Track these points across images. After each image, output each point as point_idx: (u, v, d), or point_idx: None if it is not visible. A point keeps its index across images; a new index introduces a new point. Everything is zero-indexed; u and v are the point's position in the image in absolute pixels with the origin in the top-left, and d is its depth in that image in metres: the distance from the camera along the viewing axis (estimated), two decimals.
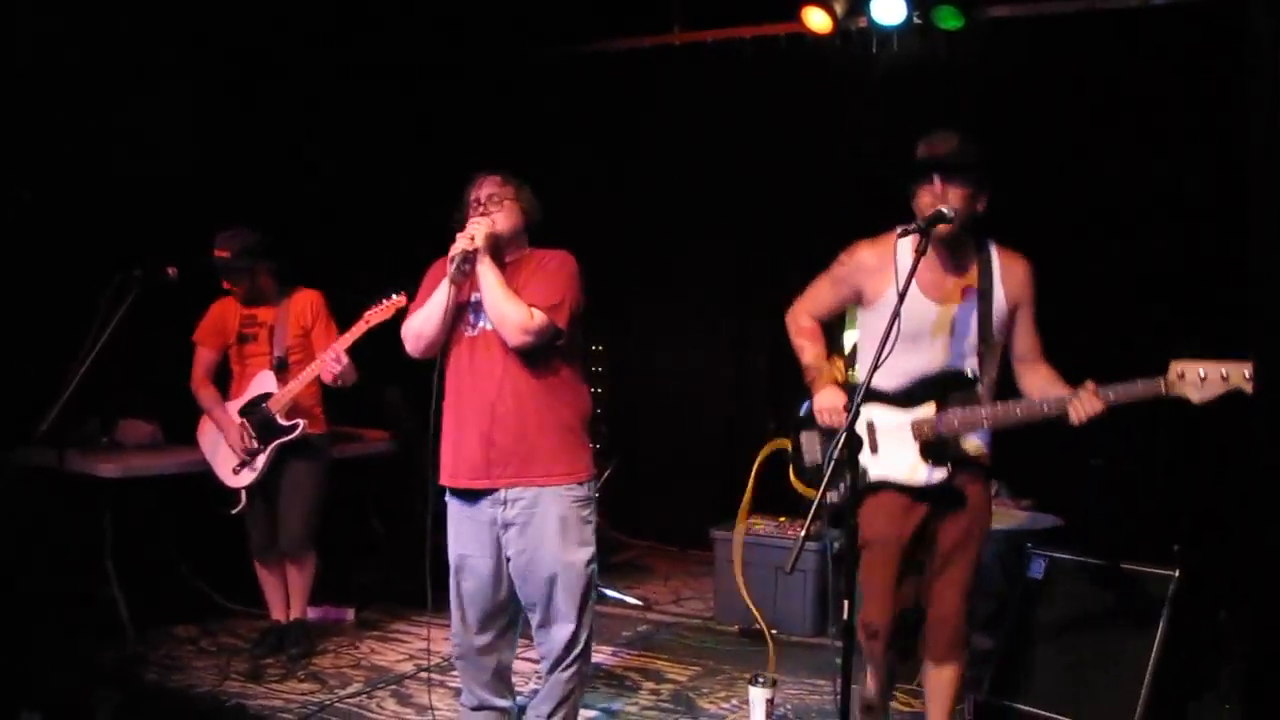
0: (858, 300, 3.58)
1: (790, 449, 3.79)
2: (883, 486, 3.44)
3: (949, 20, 5.99)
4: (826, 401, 3.54)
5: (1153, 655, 3.90)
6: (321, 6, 6.25)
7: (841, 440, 2.87)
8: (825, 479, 2.89)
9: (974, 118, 6.00)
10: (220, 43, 5.94)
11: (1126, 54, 5.73)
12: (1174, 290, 5.52)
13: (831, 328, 3.79)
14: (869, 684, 3.64)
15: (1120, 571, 4.11)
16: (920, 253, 3.10)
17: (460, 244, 3.51)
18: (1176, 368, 3.04)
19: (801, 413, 3.73)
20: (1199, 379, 3.00)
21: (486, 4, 6.82)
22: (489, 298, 3.52)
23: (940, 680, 3.59)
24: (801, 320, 3.72)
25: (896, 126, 5.89)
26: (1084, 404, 3.16)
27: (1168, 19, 5.64)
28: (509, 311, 3.49)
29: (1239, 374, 2.94)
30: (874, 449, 3.45)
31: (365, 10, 6.47)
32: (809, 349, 3.67)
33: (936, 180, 3.32)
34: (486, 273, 3.52)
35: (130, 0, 5.45)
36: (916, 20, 6.05)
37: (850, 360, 3.79)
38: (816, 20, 6.24)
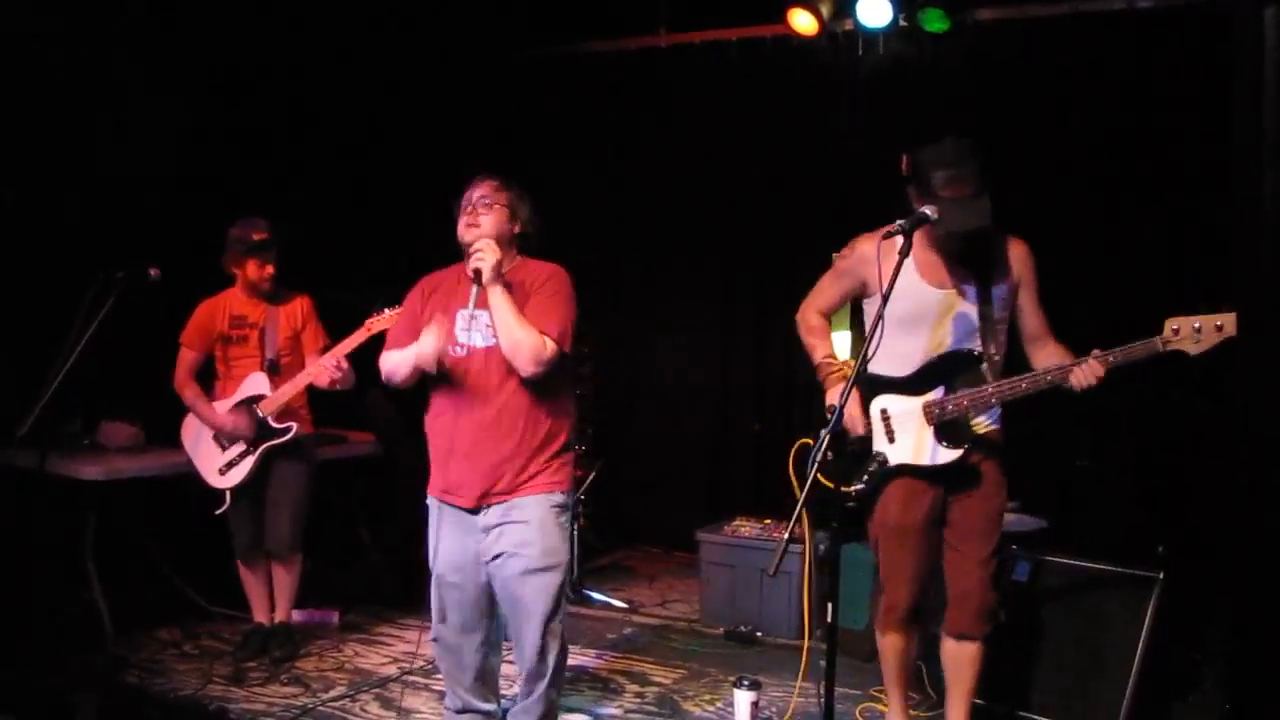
0: (862, 292, 3.65)
1: (814, 445, 3.79)
2: (902, 472, 3.51)
3: (935, 23, 6.00)
4: (837, 396, 3.53)
5: (1137, 656, 3.91)
6: (310, 8, 6.23)
7: (826, 436, 2.91)
8: (808, 481, 2.89)
9: (960, 120, 6.03)
10: (208, 43, 5.91)
11: (1112, 56, 5.75)
12: (1161, 291, 5.53)
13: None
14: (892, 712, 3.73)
15: (1105, 573, 4.12)
16: (903, 254, 3.13)
17: (480, 261, 3.47)
18: (1172, 324, 3.12)
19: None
20: (1194, 331, 3.08)
21: (472, 6, 6.81)
22: (503, 326, 3.46)
23: (962, 658, 3.63)
24: (811, 319, 3.76)
25: (882, 129, 5.95)
26: (1085, 371, 3.24)
27: (1153, 21, 5.66)
28: (524, 340, 3.44)
29: (1233, 321, 2.98)
30: (890, 437, 3.52)
31: (353, 12, 6.45)
32: (820, 347, 3.72)
33: (941, 180, 3.33)
34: (499, 303, 3.46)
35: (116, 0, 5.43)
36: (903, 22, 6.07)
37: (855, 353, 3.83)
38: (802, 22, 6.24)
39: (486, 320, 3.54)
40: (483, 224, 3.59)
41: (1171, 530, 4.74)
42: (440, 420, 3.63)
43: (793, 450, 3.74)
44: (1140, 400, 5.14)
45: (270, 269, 4.93)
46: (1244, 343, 2.02)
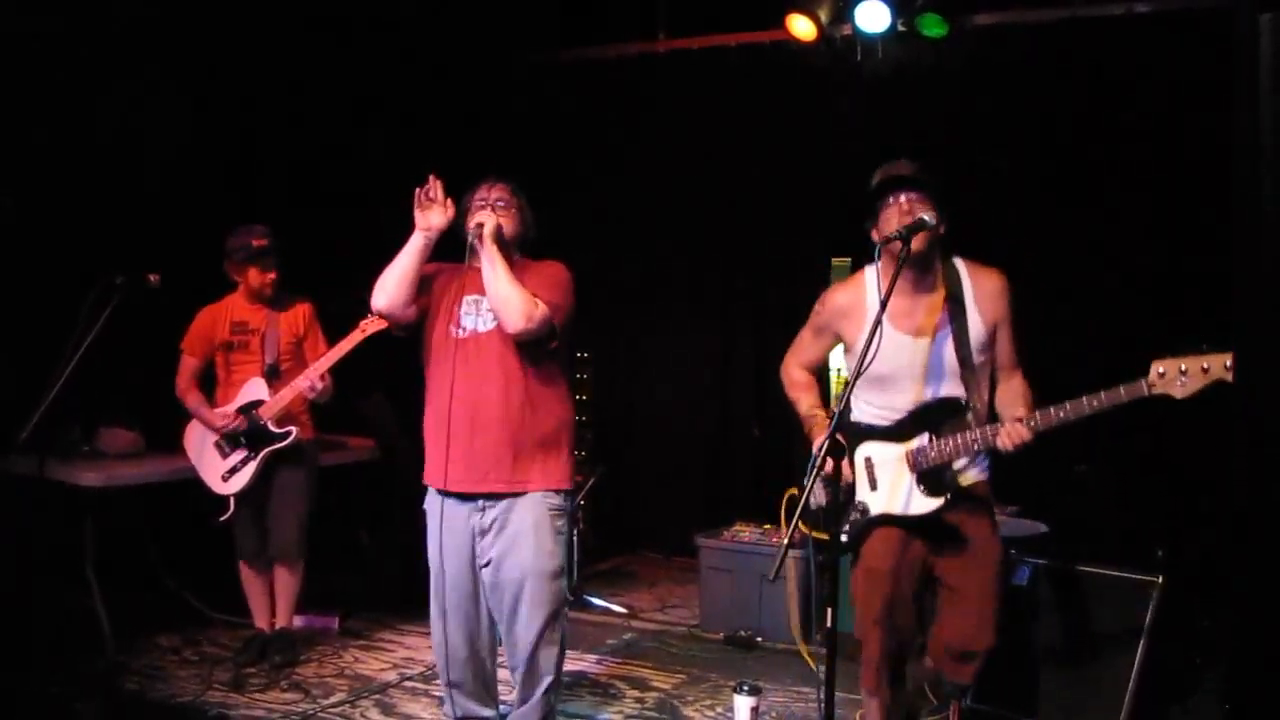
0: (841, 344, 3.60)
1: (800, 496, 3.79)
2: (883, 521, 3.42)
3: (933, 28, 6.01)
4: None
5: (1137, 661, 3.91)
6: (310, 14, 6.23)
7: (822, 452, 2.90)
8: (807, 489, 2.89)
9: (958, 125, 6.05)
10: (206, 48, 5.91)
11: (1110, 61, 5.76)
12: (1157, 293, 5.54)
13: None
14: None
15: (1105, 577, 4.12)
16: (902, 260, 3.12)
17: (485, 218, 3.56)
18: (1158, 367, 3.04)
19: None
20: (1180, 374, 3.01)
21: (471, 11, 6.82)
22: (493, 282, 3.49)
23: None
24: (793, 373, 3.72)
25: (882, 134, 5.96)
26: (1008, 434, 3.19)
27: (1151, 26, 5.67)
28: (513, 296, 3.46)
29: (1219, 365, 2.95)
30: (874, 485, 3.44)
31: (352, 17, 6.46)
32: (803, 400, 3.67)
33: (902, 196, 3.32)
34: (493, 259, 3.50)
35: (116, 3, 5.42)
36: (901, 27, 6.06)
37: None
38: (801, 28, 6.24)
39: (488, 305, 3.57)
40: (505, 221, 3.65)
41: (1171, 534, 4.74)
42: (437, 404, 3.63)
43: (784, 499, 3.76)
44: (1140, 405, 5.14)
45: (272, 275, 4.94)
46: (1244, 344, 2.02)
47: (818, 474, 3.00)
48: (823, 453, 2.94)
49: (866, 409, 3.41)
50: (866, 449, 3.43)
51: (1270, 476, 1.94)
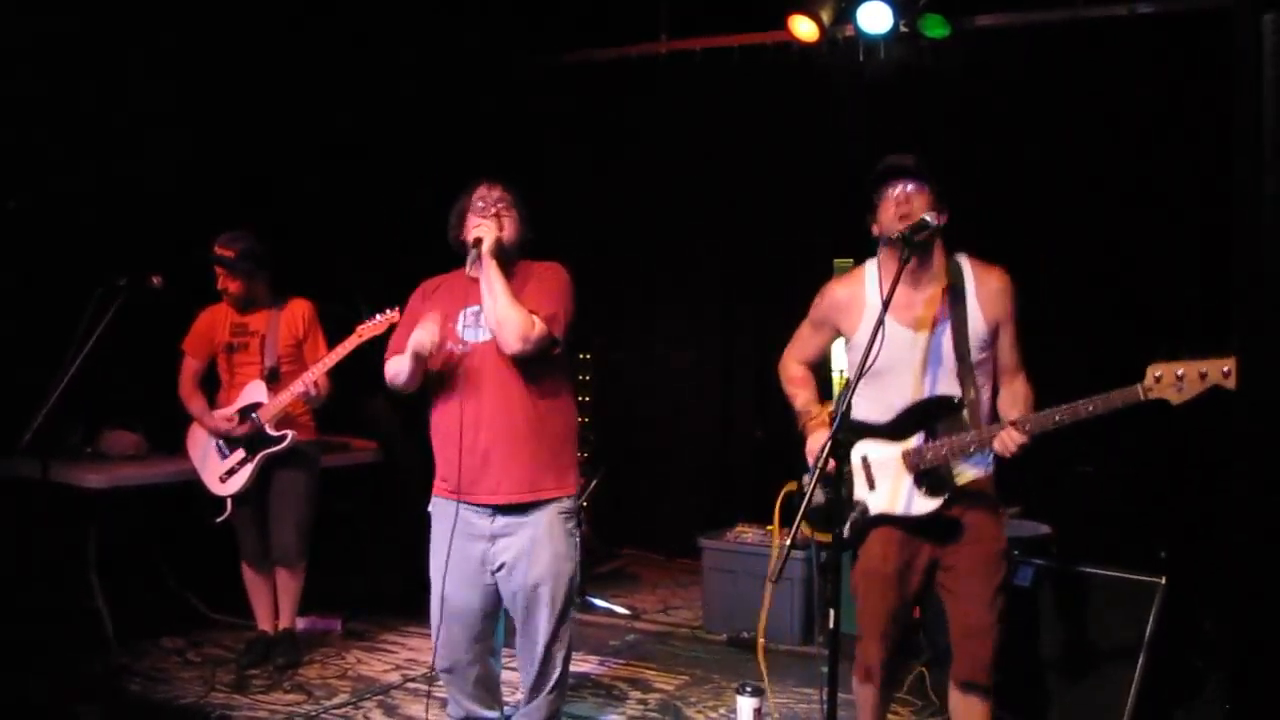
0: (837, 337, 3.60)
1: (798, 492, 3.78)
2: (882, 521, 3.40)
3: (935, 29, 6.01)
4: (817, 444, 3.52)
5: (1139, 662, 3.91)
6: (312, 15, 6.24)
7: (827, 449, 2.89)
8: (809, 489, 2.89)
9: (960, 125, 6.05)
10: (209, 50, 5.91)
11: (1112, 62, 5.76)
12: (1158, 295, 5.54)
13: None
14: None
15: (1107, 579, 4.11)
16: (904, 261, 3.11)
17: (484, 232, 3.53)
18: (1154, 371, 3.02)
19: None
20: (1177, 380, 2.99)
21: (474, 13, 6.82)
22: (491, 303, 3.49)
23: (970, 714, 3.44)
24: (791, 369, 3.72)
25: (884, 135, 5.96)
26: (1004, 439, 3.18)
27: (1153, 28, 5.67)
28: (511, 317, 3.46)
29: (1217, 370, 2.93)
30: (871, 485, 3.42)
31: (355, 20, 6.46)
32: (800, 395, 3.67)
33: (899, 187, 3.29)
34: (492, 276, 3.50)
35: (118, 6, 5.43)
36: (903, 28, 6.06)
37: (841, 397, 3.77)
38: (803, 29, 6.24)
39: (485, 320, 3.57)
40: (505, 227, 3.63)
41: (1173, 536, 4.74)
42: (445, 418, 3.63)
43: (780, 496, 3.76)
44: (1143, 406, 5.13)
45: (232, 285, 4.90)
46: (1244, 346, 2.01)
47: (820, 474, 2.99)
48: (825, 453, 2.94)
49: (861, 403, 3.36)
50: (863, 447, 3.42)
51: (1273, 479, 1.93)
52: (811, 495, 2.92)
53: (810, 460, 3.54)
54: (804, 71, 6.52)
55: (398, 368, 3.61)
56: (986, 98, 6.05)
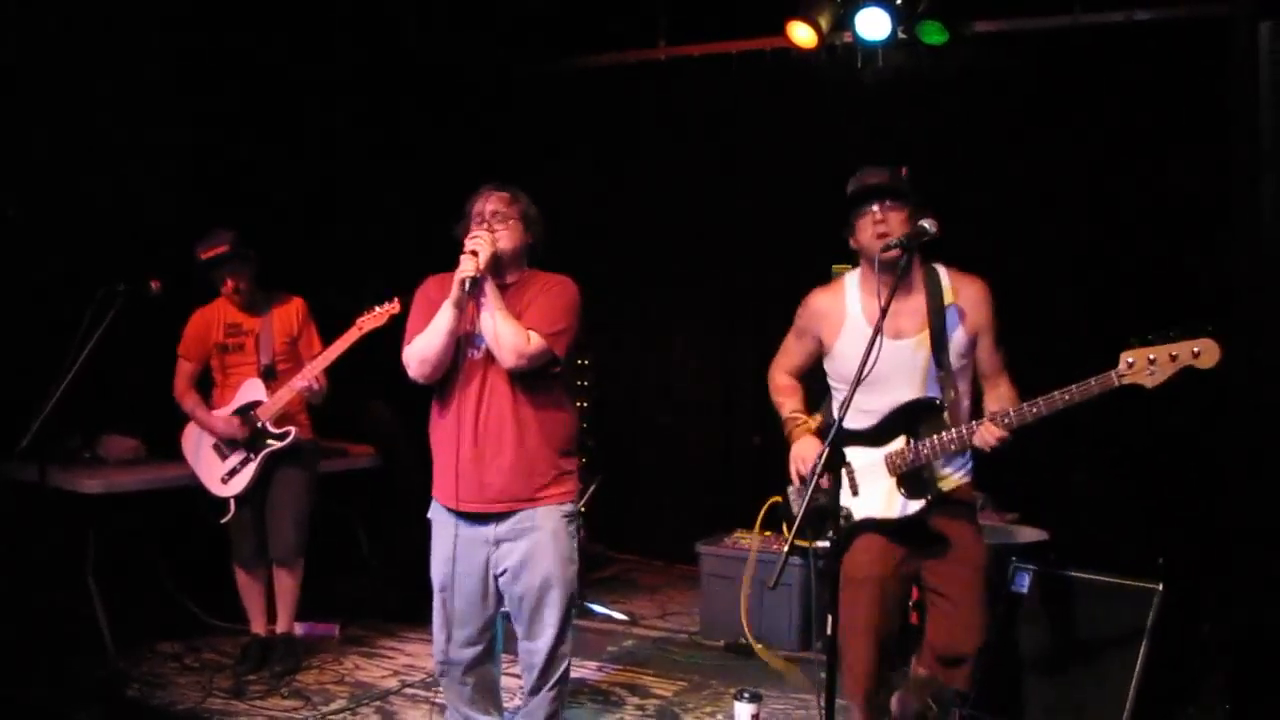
0: (820, 349, 3.60)
1: (783, 503, 3.79)
2: (866, 526, 3.43)
3: (933, 35, 6.01)
4: (801, 451, 3.56)
5: (1137, 668, 3.91)
6: (309, 18, 6.25)
7: (823, 459, 2.90)
8: (805, 498, 2.89)
9: (959, 132, 6.06)
10: (206, 54, 5.92)
11: (1110, 68, 5.77)
12: (1158, 297, 5.54)
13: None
14: None
15: (1105, 585, 4.12)
16: (903, 269, 3.13)
17: (467, 267, 3.44)
18: (1126, 358, 3.06)
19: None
20: (1149, 364, 3.03)
21: (473, 18, 6.83)
22: (486, 319, 3.50)
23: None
24: (777, 378, 3.75)
25: (882, 141, 5.97)
26: (983, 434, 3.21)
27: (1151, 33, 5.68)
28: (506, 333, 3.46)
29: (1187, 351, 2.97)
30: (854, 490, 3.46)
31: (353, 23, 6.47)
32: (786, 404, 3.70)
33: (876, 207, 3.36)
34: (488, 293, 3.50)
35: (115, 12, 5.43)
36: (901, 35, 6.07)
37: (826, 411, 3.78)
38: (802, 35, 6.24)
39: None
40: (502, 238, 3.59)
41: (1171, 542, 4.74)
42: (445, 426, 3.63)
43: (764, 508, 3.76)
44: (1140, 411, 5.14)
45: (232, 283, 4.89)
46: (1244, 348, 2.03)
47: (815, 485, 2.99)
48: (821, 464, 2.94)
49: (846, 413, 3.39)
50: (846, 454, 3.43)
51: (1270, 483, 1.94)
52: (811, 501, 2.92)
53: (793, 467, 3.56)
54: (802, 78, 6.52)
55: (423, 345, 3.55)
56: (985, 104, 6.05)
